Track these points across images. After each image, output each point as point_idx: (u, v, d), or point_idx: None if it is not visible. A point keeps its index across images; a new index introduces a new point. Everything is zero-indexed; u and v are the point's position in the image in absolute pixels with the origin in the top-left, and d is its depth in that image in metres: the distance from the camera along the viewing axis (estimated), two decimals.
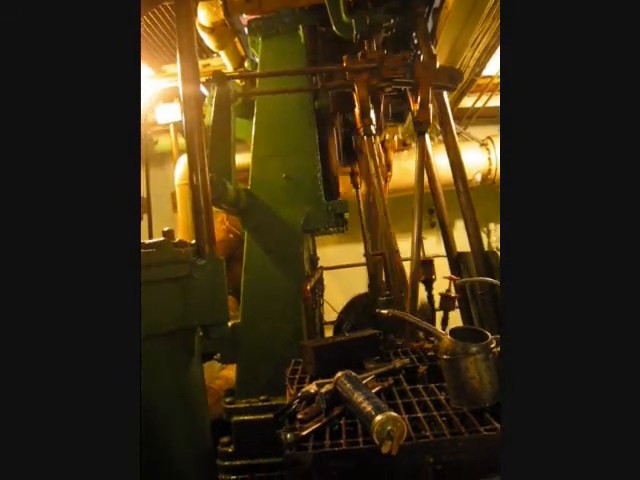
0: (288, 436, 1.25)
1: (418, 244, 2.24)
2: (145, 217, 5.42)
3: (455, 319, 2.74)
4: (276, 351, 2.61)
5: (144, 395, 1.22)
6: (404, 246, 2.43)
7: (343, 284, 5.33)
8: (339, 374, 1.43)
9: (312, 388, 1.45)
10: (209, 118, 2.67)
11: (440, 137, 3.16)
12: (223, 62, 4.06)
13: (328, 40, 3.04)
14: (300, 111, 2.95)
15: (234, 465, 2.59)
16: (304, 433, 1.27)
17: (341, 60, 2.29)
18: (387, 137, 3.59)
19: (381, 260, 3.50)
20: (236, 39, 3.64)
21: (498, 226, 6.53)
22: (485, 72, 5.12)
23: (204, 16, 3.36)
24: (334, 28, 2.74)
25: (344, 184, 3.80)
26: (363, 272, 3.78)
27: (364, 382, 1.46)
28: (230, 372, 3.84)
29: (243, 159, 3.28)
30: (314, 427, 1.31)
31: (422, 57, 2.53)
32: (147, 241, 1.65)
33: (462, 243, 2.95)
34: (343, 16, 2.64)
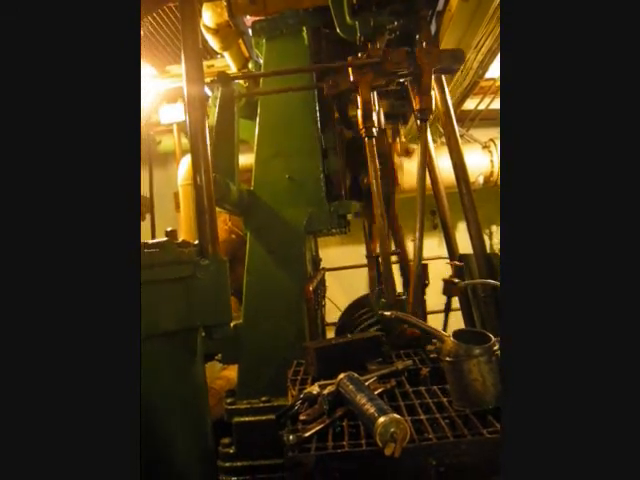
0: (291, 437, 1.25)
1: (420, 244, 2.24)
2: (148, 217, 5.42)
3: (457, 321, 2.73)
4: (278, 352, 2.60)
5: (145, 395, 1.22)
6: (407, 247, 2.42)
7: (344, 285, 5.33)
8: (341, 376, 1.43)
9: (314, 389, 1.45)
10: (213, 119, 2.67)
11: (443, 139, 3.16)
12: (227, 63, 4.07)
13: (332, 42, 3.04)
14: (304, 111, 2.95)
15: (235, 466, 2.58)
16: (307, 434, 1.27)
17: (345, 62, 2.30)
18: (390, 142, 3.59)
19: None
20: (240, 40, 3.65)
21: None
22: (488, 74, 5.10)
23: (208, 17, 3.36)
24: (338, 30, 2.74)
25: None
26: (364, 273, 3.77)
27: (366, 384, 1.45)
28: (231, 372, 3.84)
29: (246, 160, 3.28)
30: (317, 429, 1.30)
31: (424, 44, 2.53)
32: (150, 241, 1.65)
33: (464, 245, 2.94)
34: (347, 18, 2.64)
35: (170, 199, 6.49)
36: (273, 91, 2.95)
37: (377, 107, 2.56)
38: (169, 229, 1.76)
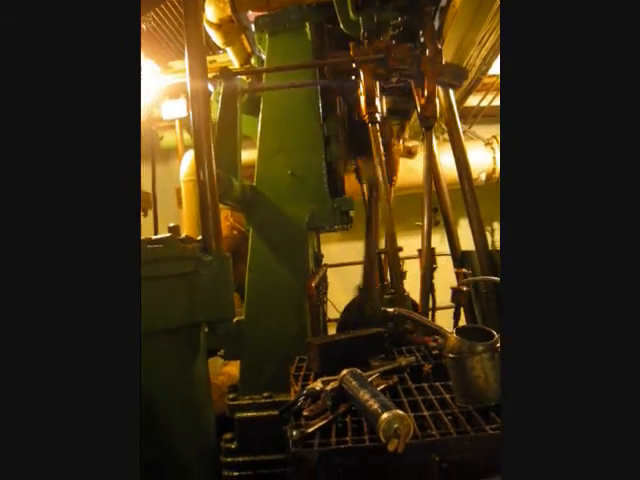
0: (294, 433, 1.25)
1: (428, 239, 2.24)
2: (150, 213, 5.43)
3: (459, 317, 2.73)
4: (280, 348, 2.61)
5: (148, 390, 1.22)
6: (410, 244, 2.43)
7: (345, 281, 5.32)
8: (344, 372, 1.43)
9: (317, 385, 1.46)
10: (215, 115, 2.67)
11: (446, 136, 3.16)
12: (230, 58, 4.06)
13: (335, 37, 3.03)
14: (306, 107, 2.94)
15: (237, 461, 2.59)
16: (310, 430, 1.28)
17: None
18: (394, 141, 3.57)
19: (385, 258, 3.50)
20: (243, 36, 3.64)
21: None
22: (491, 71, 5.09)
23: (211, 12, 3.35)
24: (341, 26, 2.74)
25: (348, 181, 3.78)
26: None
27: (369, 380, 1.46)
28: (233, 368, 3.84)
29: (248, 156, 3.28)
30: (320, 424, 1.31)
31: (428, 52, 2.53)
32: (154, 237, 1.65)
33: (466, 241, 2.94)
34: (351, 14, 2.63)
35: (172, 195, 6.47)
36: (276, 86, 2.95)
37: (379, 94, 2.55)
38: (172, 225, 1.76)
